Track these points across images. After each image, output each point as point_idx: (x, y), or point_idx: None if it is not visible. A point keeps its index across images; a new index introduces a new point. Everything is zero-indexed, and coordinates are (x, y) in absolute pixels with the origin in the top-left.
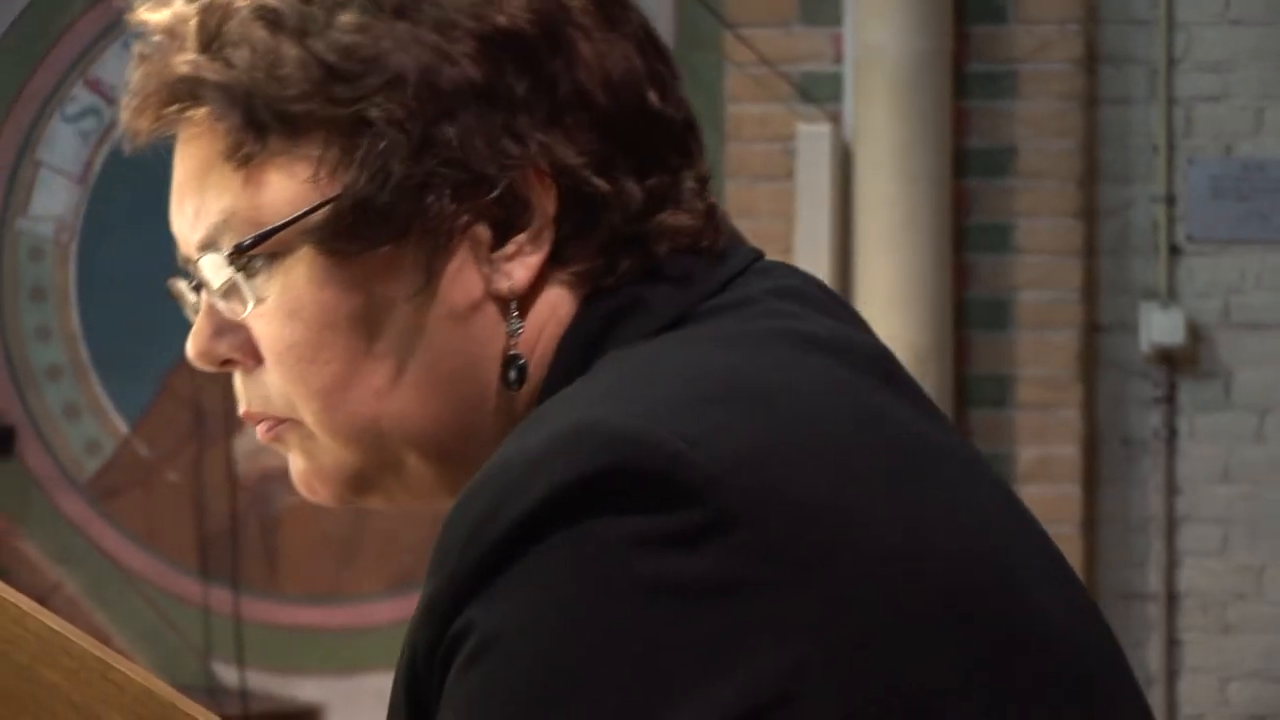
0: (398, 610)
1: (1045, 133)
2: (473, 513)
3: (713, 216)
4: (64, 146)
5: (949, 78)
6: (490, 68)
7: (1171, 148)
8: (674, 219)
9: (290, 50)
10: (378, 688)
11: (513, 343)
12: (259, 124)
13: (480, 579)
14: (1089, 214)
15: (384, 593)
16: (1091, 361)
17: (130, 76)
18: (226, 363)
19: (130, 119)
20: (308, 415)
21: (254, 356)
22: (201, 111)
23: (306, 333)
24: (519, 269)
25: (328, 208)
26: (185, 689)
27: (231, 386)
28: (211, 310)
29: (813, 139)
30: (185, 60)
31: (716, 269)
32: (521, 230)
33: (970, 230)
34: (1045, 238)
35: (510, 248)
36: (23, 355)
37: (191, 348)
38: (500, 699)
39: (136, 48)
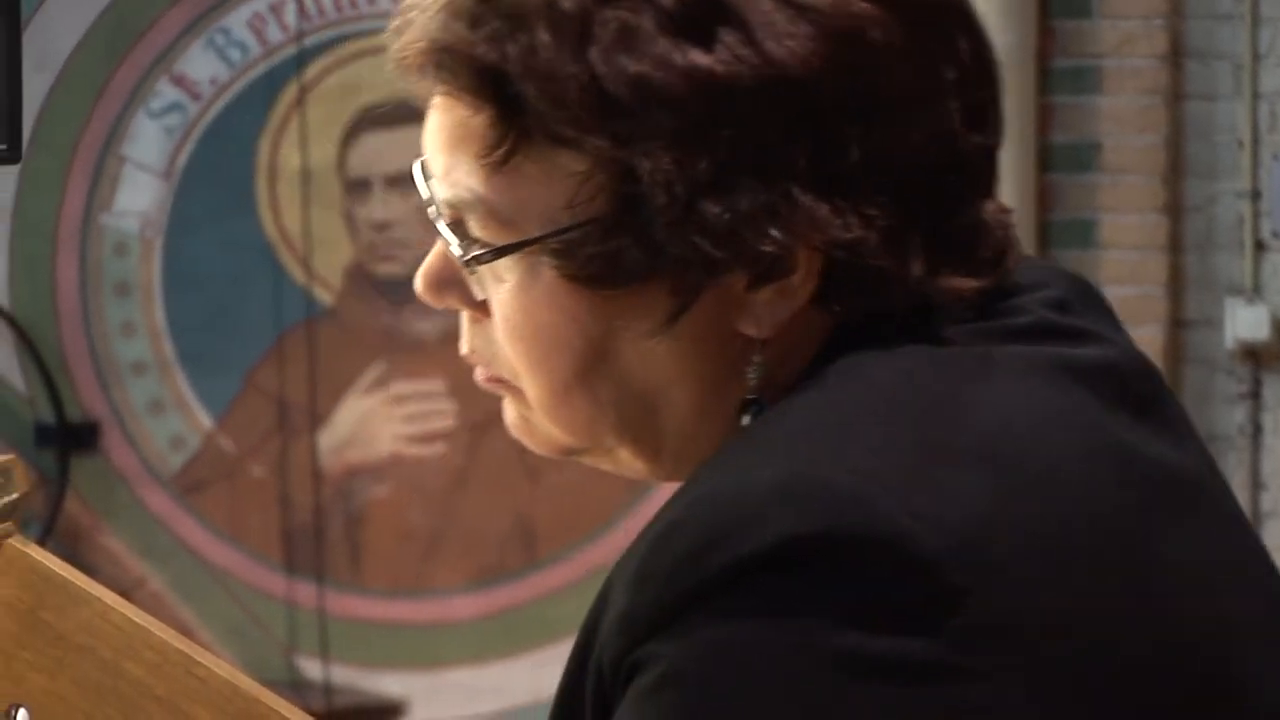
0: (480, 605)
1: (1129, 128)
2: (683, 544)
3: (1004, 255)
4: (148, 142)
5: (1033, 73)
6: (773, 131)
7: (1256, 143)
8: (957, 282)
9: (571, 66)
10: (460, 682)
11: (752, 384)
12: (523, 129)
13: (679, 613)
14: (1174, 209)
15: (466, 587)
16: (1176, 357)
17: (403, 5)
18: (451, 307)
19: (393, 55)
20: (530, 395)
21: (484, 311)
22: (463, 90)
23: (538, 337)
24: (770, 316)
25: (574, 235)
26: (269, 683)
27: (314, 383)
28: (445, 256)
29: None
30: (458, 34)
31: (979, 280)
32: (781, 278)
33: (1054, 226)
34: (1129, 233)
35: (765, 294)
36: (108, 351)
37: (419, 283)
38: None
39: None
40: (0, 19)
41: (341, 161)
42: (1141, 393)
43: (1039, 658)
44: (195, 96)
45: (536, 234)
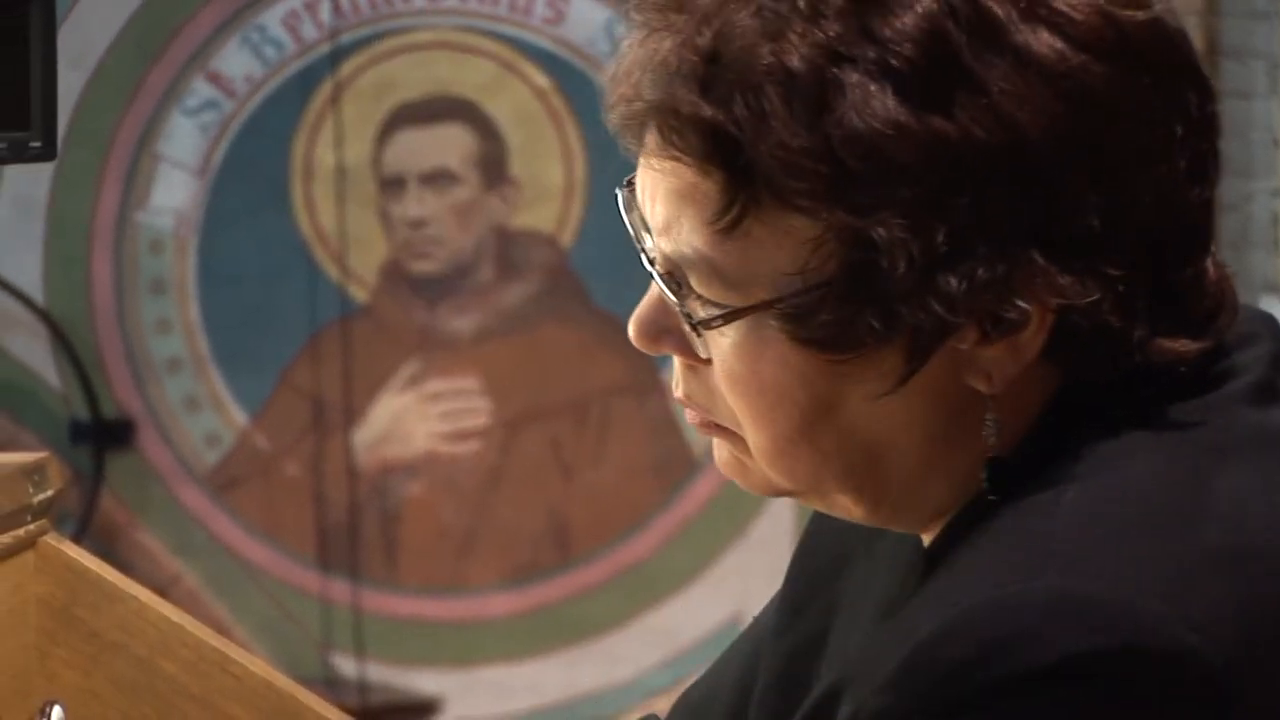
0: (515, 603)
1: None
2: (958, 651)
3: (1220, 312)
4: (183, 140)
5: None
6: (1011, 196)
7: None
8: (1178, 345)
9: (805, 134)
10: (495, 680)
11: (991, 443)
12: (752, 194)
13: (953, 711)
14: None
15: (501, 585)
16: None
17: (621, 56)
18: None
19: (610, 111)
20: (751, 444)
21: (700, 360)
22: (691, 154)
23: (761, 394)
24: (999, 372)
25: (805, 299)
26: (303, 681)
27: (349, 381)
28: (661, 304)
29: None
30: (686, 97)
31: (1199, 344)
32: (1012, 334)
33: None
34: None
35: (995, 350)
36: (143, 348)
37: (633, 329)
38: None
39: (632, 35)
40: (36, 16)
41: (376, 159)
42: None
43: None
44: (230, 94)
45: (765, 298)
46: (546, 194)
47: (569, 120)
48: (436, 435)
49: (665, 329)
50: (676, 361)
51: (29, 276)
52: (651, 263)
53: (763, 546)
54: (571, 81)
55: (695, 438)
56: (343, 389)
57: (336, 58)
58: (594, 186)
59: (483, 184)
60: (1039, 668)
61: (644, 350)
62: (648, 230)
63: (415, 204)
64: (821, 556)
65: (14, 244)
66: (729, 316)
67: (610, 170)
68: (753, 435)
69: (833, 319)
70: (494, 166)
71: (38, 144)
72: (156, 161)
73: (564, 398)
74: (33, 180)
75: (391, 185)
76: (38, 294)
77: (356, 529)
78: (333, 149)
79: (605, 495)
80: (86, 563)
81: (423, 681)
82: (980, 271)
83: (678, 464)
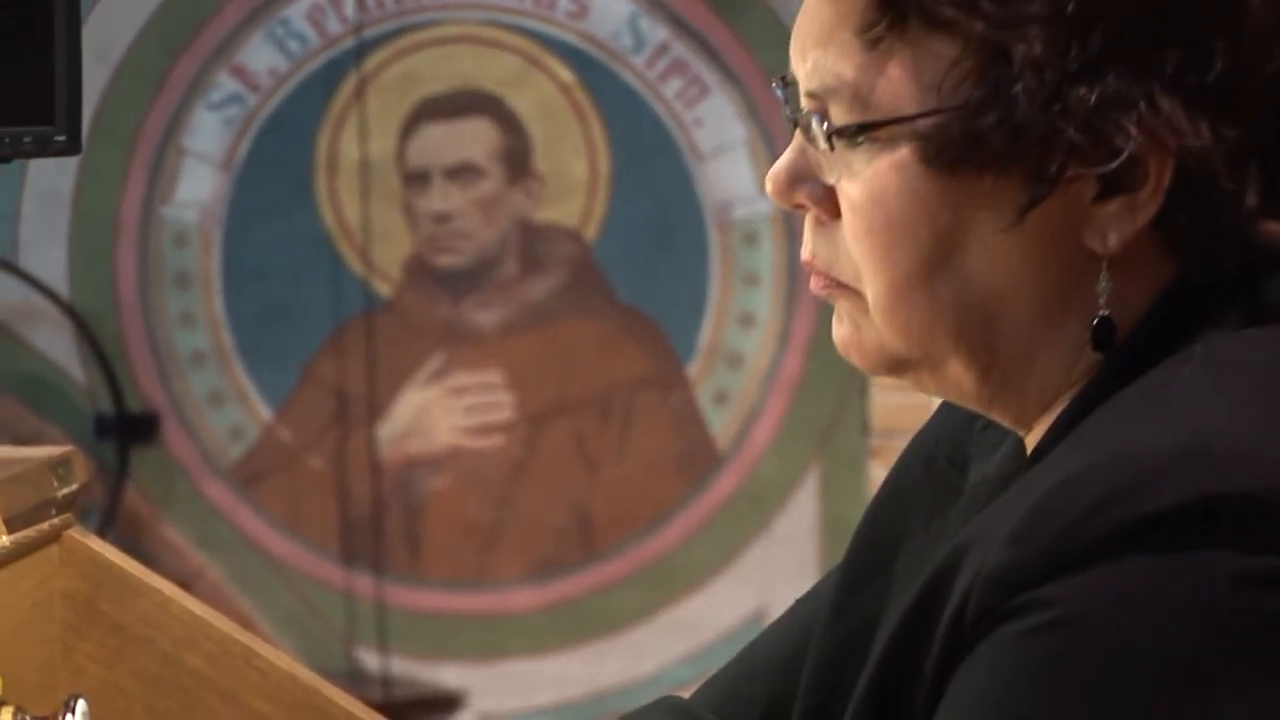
0: (538, 597)
1: None
2: (1085, 498)
3: None
4: (208, 133)
5: None
6: (1147, 29)
7: None
8: None
9: None
10: (519, 674)
11: (1101, 303)
12: (900, 9)
13: (1079, 562)
14: None
15: (525, 579)
16: None
17: None
18: (800, 205)
19: None
20: (870, 294)
21: (830, 211)
22: None
23: (888, 227)
24: (1116, 231)
25: (940, 118)
26: (327, 674)
27: (373, 375)
28: (801, 150)
29: None
30: None
31: None
32: (1129, 191)
33: None
34: None
35: (1113, 206)
36: (167, 342)
37: (770, 181)
38: (1067, 679)
39: None
40: (61, 11)
41: (400, 153)
42: None
43: None
44: (254, 88)
45: (902, 113)
46: (570, 188)
47: (593, 115)
48: (460, 429)
49: (801, 176)
50: (807, 222)
51: (54, 270)
52: (798, 111)
53: (786, 541)
54: (595, 76)
55: (719, 431)
56: (366, 383)
57: (361, 52)
58: (617, 181)
59: (507, 178)
60: (1164, 510)
61: (778, 199)
62: (796, 87)
63: (439, 198)
64: (880, 538)
65: (39, 238)
66: (866, 128)
67: (633, 165)
68: (872, 282)
69: (963, 133)
70: (518, 161)
71: (62, 138)
72: (181, 156)
73: (588, 392)
74: (58, 174)
75: (416, 179)
76: (62, 288)
77: (380, 523)
78: (357, 143)
79: (629, 489)
80: (111, 556)
81: (446, 675)
82: (1109, 91)
83: (702, 458)
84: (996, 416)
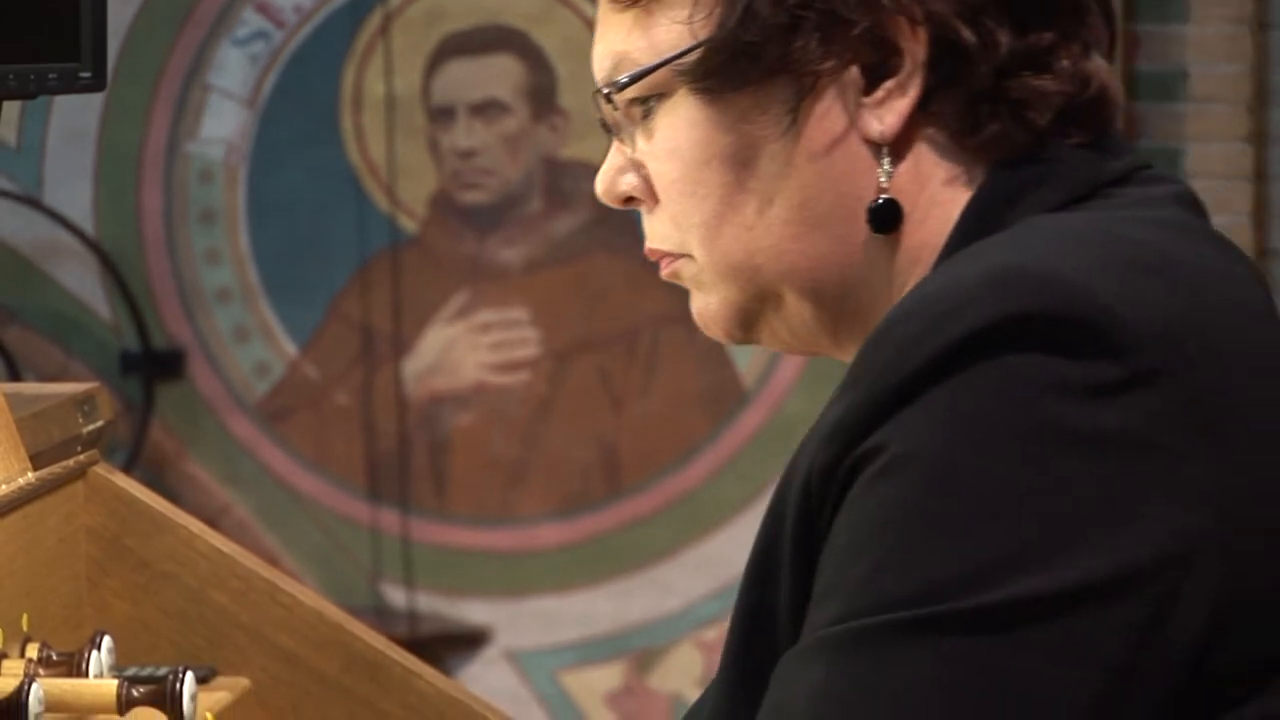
0: (564, 533)
1: (1216, 56)
2: (899, 335)
3: (1093, 91)
4: (233, 70)
5: (1120, 1)
6: None
7: None
8: (1039, 82)
9: None
10: (544, 610)
11: (884, 186)
12: None
13: (901, 399)
14: (1259, 138)
15: (551, 515)
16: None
17: None
18: (629, 200)
19: None
20: (693, 248)
21: (652, 196)
22: None
23: (685, 169)
24: (888, 114)
25: (700, 49)
26: (353, 610)
27: (398, 311)
28: (615, 149)
29: None
30: None
31: (1110, 160)
32: (891, 76)
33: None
34: (1215, 162)
35: (880, 93)
36: (193, 278)
37: (598, 184)
38: (907, 514)
39: None
40: None
41: (426, 89)
42: (1269, 295)
43: (1232, 445)
44: (279, 24)
45: (667, 56)
46: (595, 125)
47: None
48: (486, 366)
49: (622, 171)
50: (643, 215)
51: (79, 207)
52: (605, 126)
53: None
54: None
55: (746, 368)
56: (392, 319)
57: None
58: None
59: (532, 114)
60: (969, 334)
61: (607, 199)
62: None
63: (464, 134)
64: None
65: (64, 175)
66: (636, 78)
67: None
68: (691, 233)
69: (721, 60)
70: (543, 97)
71: (88, 75)
72: (206, 92)
73: (613, 328)
74: (83, 111)
75: (441, 115)
76: (88, 224)
77: (406, 459)
78: (382, 79)
79: (655, 425)
80: (136, 493)
81: (472, 611)
82: None
83: (728, 394)
84: (847, 346)
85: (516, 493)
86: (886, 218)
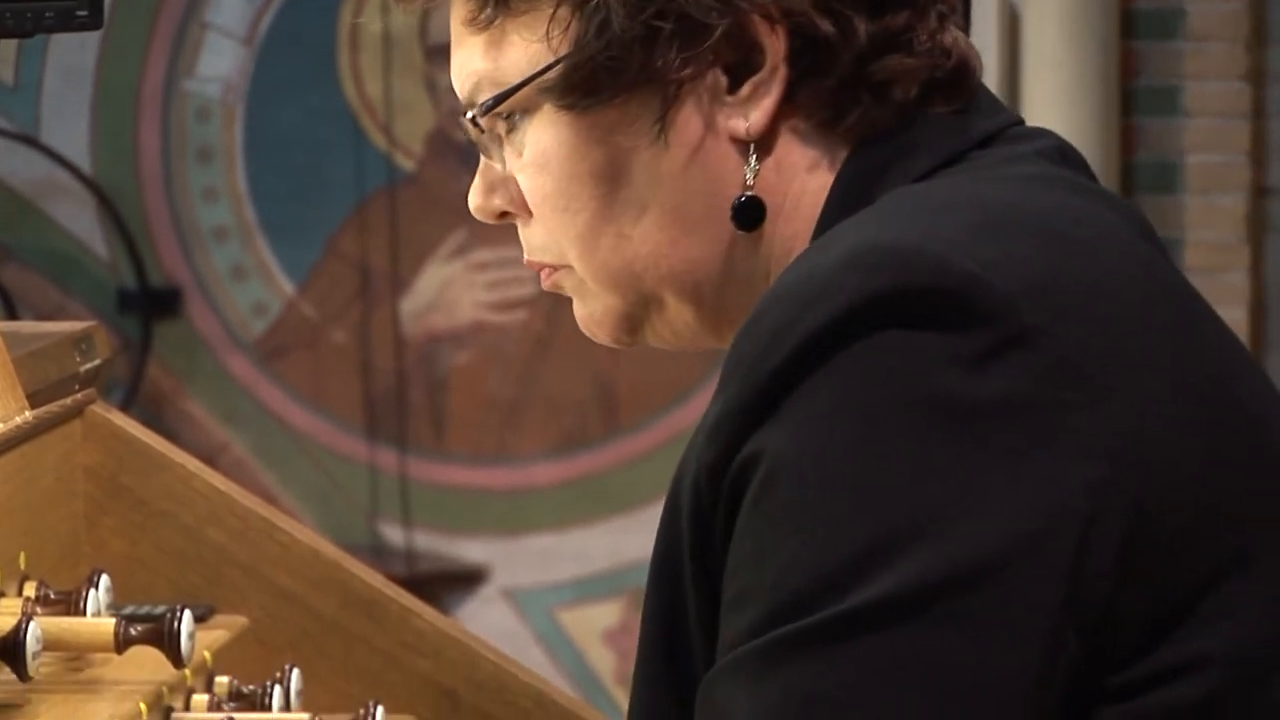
0: (561, 472)
1: None
2: (764, 327)
3: (953, 62)
4: (230, 8)
5: None
6: None
7: None
8: (902, 63)
9: None
10: (541, 548)
11: (750, 184)
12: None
13: (770, 399)
14: (1257, 76)
15: (547, 454)
16: (1259, 224)
17: None
18: (504, 215)
19: None
20: (572, 260)
21: (525, 209)
22: None
23: (556, 184)
24: (755, 111)
25: (559, 66)
26: (351, 549)
27: (396, 249)
28: (485, 167)
29: (979, 1)
30: None
31: (977, 124)
32: (754, 74)
33: (1138, 93)
34: (1213, 100)
35: (745, 90)
36: (190, 216)
37: (471, 201)
38: (800, 514)
39: None
40: None
41: (423, 28)
42: (1155, 235)
43: (1115, 392)
44: None
45: (529, 75)
46: None
47: None
48: (483, 304)
49: (492, 187)
50: (519, 229)
51: (76, 146)
52: (470, 144)
53: None
54: None
55: None
56: (390, 258)
57: None
58: None
59: None
60: (829, 323)
61: (481, 215)
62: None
63: None
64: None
65: (61, 113)
66: (501, 98)
67: None
68: (569, 245)
69: (583, 74)
70: None
71: (84, 13)
72: (204, 30)
73: None
74: (80, 49)
75: (438, 54)
76: (85, 163)
77: (404, 397)
78: (379, 17)
79: (651, 365)
80: (134, 431)
81: (469, 550)
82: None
83: None
84: (722, 344)
85: (514, 431)
86: (750, 215)
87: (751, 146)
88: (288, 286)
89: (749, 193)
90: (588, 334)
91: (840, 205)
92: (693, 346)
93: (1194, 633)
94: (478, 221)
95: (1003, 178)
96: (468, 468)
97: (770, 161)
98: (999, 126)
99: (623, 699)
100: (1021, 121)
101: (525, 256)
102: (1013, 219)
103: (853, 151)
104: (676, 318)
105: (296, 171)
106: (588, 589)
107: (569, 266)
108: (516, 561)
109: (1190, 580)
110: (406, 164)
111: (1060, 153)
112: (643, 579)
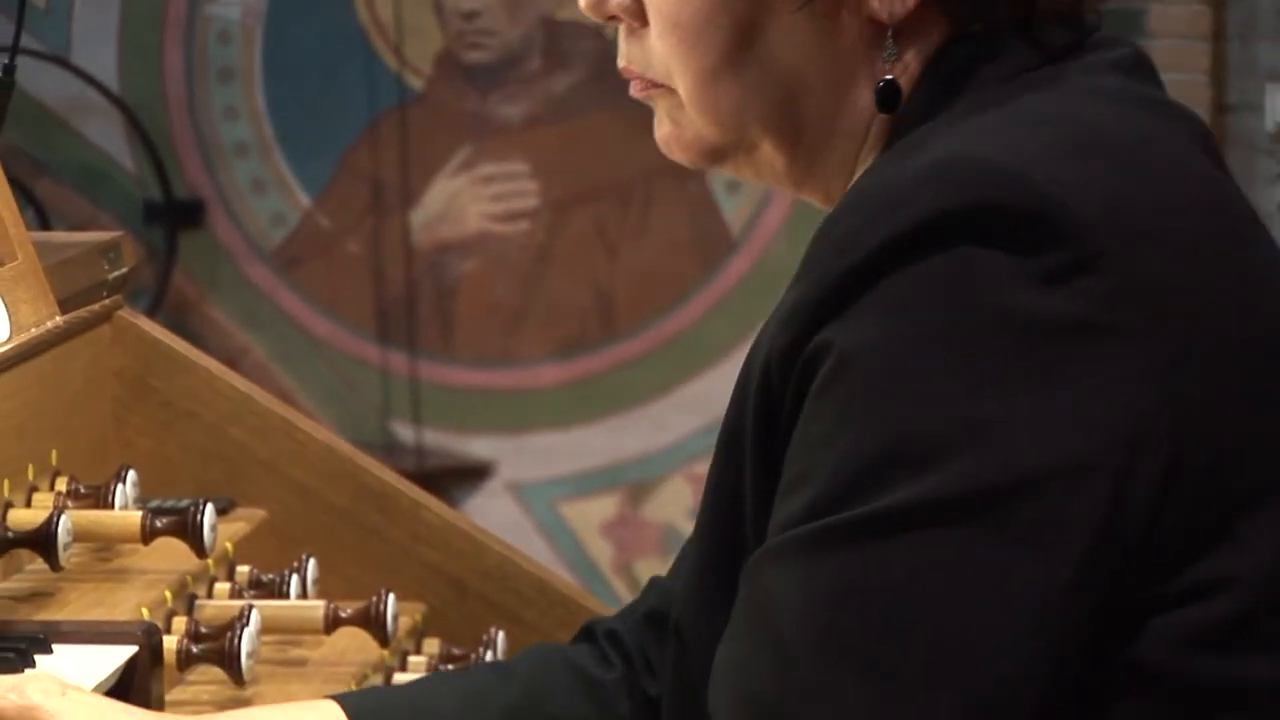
0: (562, 373)
1: None
2: (846, 227)
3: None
4: None
5: None
6: None
7: None
8: None
9: None
10: (543, 445)
11: (886, 68)
12: None
13: (845, 294)
14: (1217, 0)
15: (549, 357)
16: (1220, 141)
17: None
18: (613, 17)
19: None
20: (681, 89)
21: (640, 19)
22: None
23: (694, 19)
24: (896, 2)
25: None
26: (364, 446)
27: (406, 164)
28: None
29: None
30: None
31: (1060, 32)
32: None
33: (1106, 15)
34: (1176, 22)
35: None
36: (213, 133)
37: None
38: (865, 411)
39: None
40: None
41: None
42: (1210, 144)
43: (1181, 318)
44: None
45: None
46: None
47: None
48: (488, 216)
49: None
50: (621, 32)
51: (104, 67)
52: None
53: None
54: None
55: (732, 216)
56: (400, 172)
57: None
58: None
59: None
60: (906, 231)
61: (591, 13)
62: None
63: None
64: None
65: (90, 36)
66: None
67: None
68: (682, 76)
69: None
70: None
71: None
72: None
73: (608, 180)
74: None
75: None
76: (113, 83)
77: (414, 304)
78: None
79: (647, 272)
80: (159, 335)
81: (476, 447)
82: None
83: (717, 242)
84: (807, 196)
85: (517, 336)
86: (891, 98)
87: (890, 30)
88: (304, 199)
89: (888, 77)
90: (664, 151)
91: (927, 100)
92: (768, 185)
93: (1225, 555)
94: (483, 138)
95: (1082, 91)
96: (474, 370)
97: (902, 46)
98: (1081, 35)
99: (620, 586)
100: (1099, 27)
101: (622, 63)
102: (1090, 140)
103: (943, 44)
104: (765, 163)
105: (312, 91)
106: (587, 483)
107: (671, 89)
108: (520, 458)
109: (1226, 505)
110: (416, 83)
111: (1135, 63)
112: (638, 475)
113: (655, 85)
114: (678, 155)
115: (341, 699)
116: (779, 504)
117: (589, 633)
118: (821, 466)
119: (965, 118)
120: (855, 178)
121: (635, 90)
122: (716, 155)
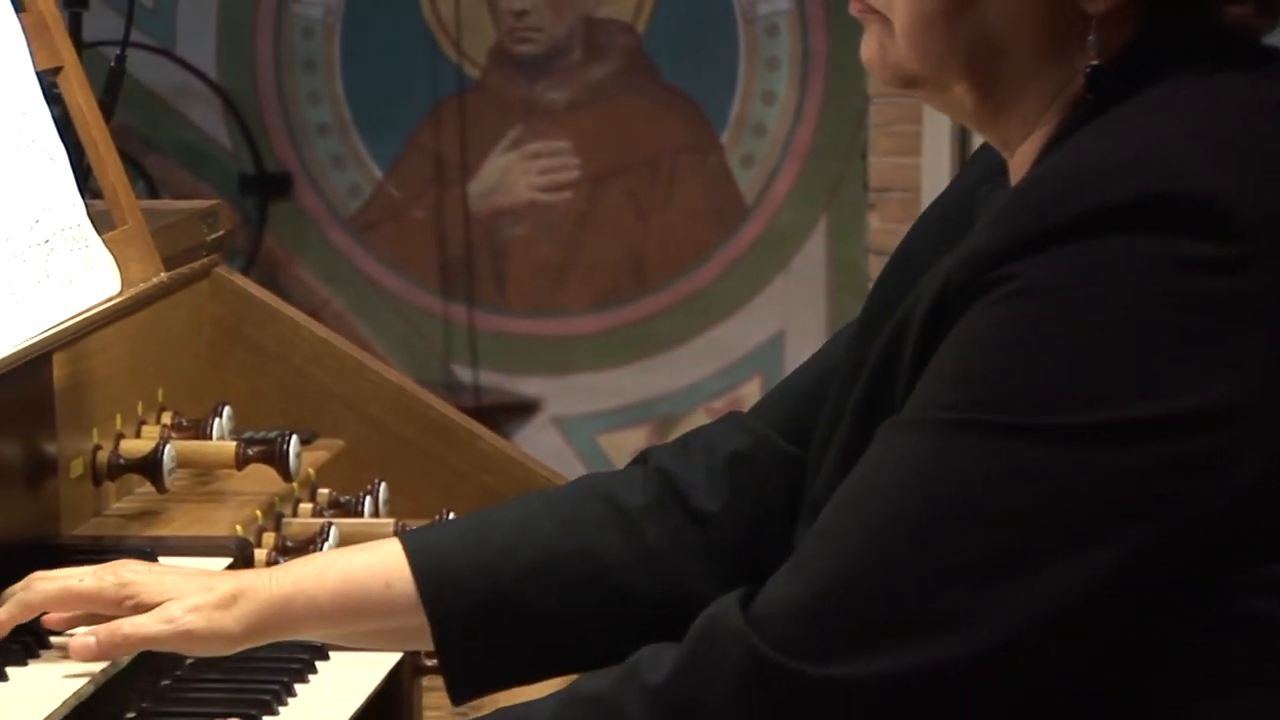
0: (600, 322)
1: None
2: (1048, 191)
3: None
4: None
5: None
6: None
7: None
8: (1242, 10)
9: None
10: (584, 385)
11: (1092, 55)
12: None
13: (1038, 243)
14: None
15: (590, 308)
16: None
17: None
18: None
19: None
20: (898, 22)
21: None
22: None
23: None
24: None
25: None
26: (429, 385)
27: (464, 142)
28: None
29: None
30: None
31: (1256, 43)
32: None
33: None
34: None
35: None
36: (299, 115)
37: None
38: (1035, 332)
39: None
40: None
41: None
42: None
43: None
44: None
45: None
46: None
47: None
48: (536, 186)
49: None
50: None
51: (205, 58)
52: None
53: (801, 276)
54: None
55: (747, 187)
56: (460, 149)
57: None
58: None
59: None
60: (1121, 201)
61: None
62: None
63: None
64: (888, 295)
65: (192, 31)
66: None
67: None
68: (903, 11)
69: None
70: None
71: None
72: None
73: (639, 156)
74: None
75: None
76: (212, 72)
77: (472, 263)
78: None
79: (673, 235)
80: (251, 289)
81: (526, 386)
82: None
83: (733, 209)
84: (985, 134)
85: (561, 290)
86: (1100, 84)
87: (1094, 20)
88: (377, 172)
89: (1095, 63)
90: (865, 63)
91: (1120, 84)
92: (950, 117)
93: None
94: (531, 120)
95: (1262, 100)
96: (524, 319)
97: (1102, 35)
98: (1270, 49)
99: None
100: None
101: None
102: (1274, 152)
103: (1138, 35)
104: (955, 101)
105: (384, 78)
106: (621, 418)
107: (886, 18)
108: (563, 395)
109: None
110: (473, 73)
111: None
112: (665, 410)
113: (872, 11)
114: (877, 73)
115: (403, 538)
116: (924, 383)
117: (643, 458)
118: (981, 368)
119: (1155, 108)
120: (1033, 135)
121: (854, 9)
122: (911, 83)
